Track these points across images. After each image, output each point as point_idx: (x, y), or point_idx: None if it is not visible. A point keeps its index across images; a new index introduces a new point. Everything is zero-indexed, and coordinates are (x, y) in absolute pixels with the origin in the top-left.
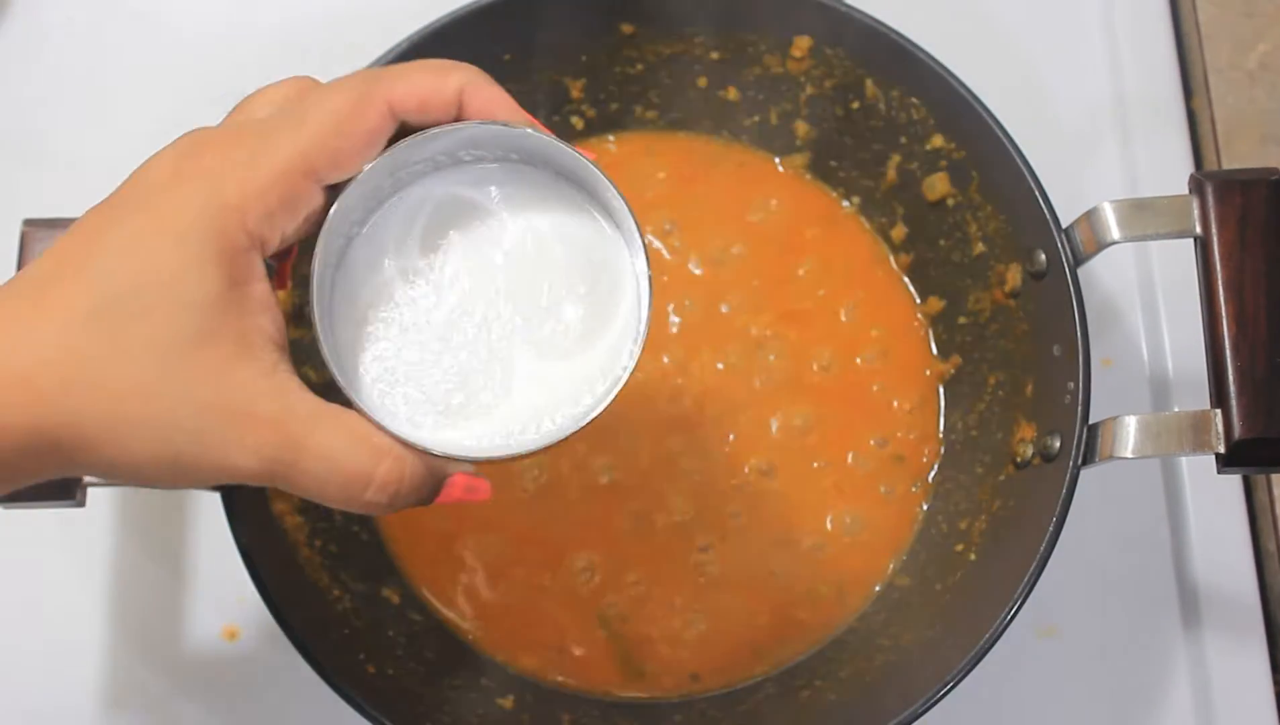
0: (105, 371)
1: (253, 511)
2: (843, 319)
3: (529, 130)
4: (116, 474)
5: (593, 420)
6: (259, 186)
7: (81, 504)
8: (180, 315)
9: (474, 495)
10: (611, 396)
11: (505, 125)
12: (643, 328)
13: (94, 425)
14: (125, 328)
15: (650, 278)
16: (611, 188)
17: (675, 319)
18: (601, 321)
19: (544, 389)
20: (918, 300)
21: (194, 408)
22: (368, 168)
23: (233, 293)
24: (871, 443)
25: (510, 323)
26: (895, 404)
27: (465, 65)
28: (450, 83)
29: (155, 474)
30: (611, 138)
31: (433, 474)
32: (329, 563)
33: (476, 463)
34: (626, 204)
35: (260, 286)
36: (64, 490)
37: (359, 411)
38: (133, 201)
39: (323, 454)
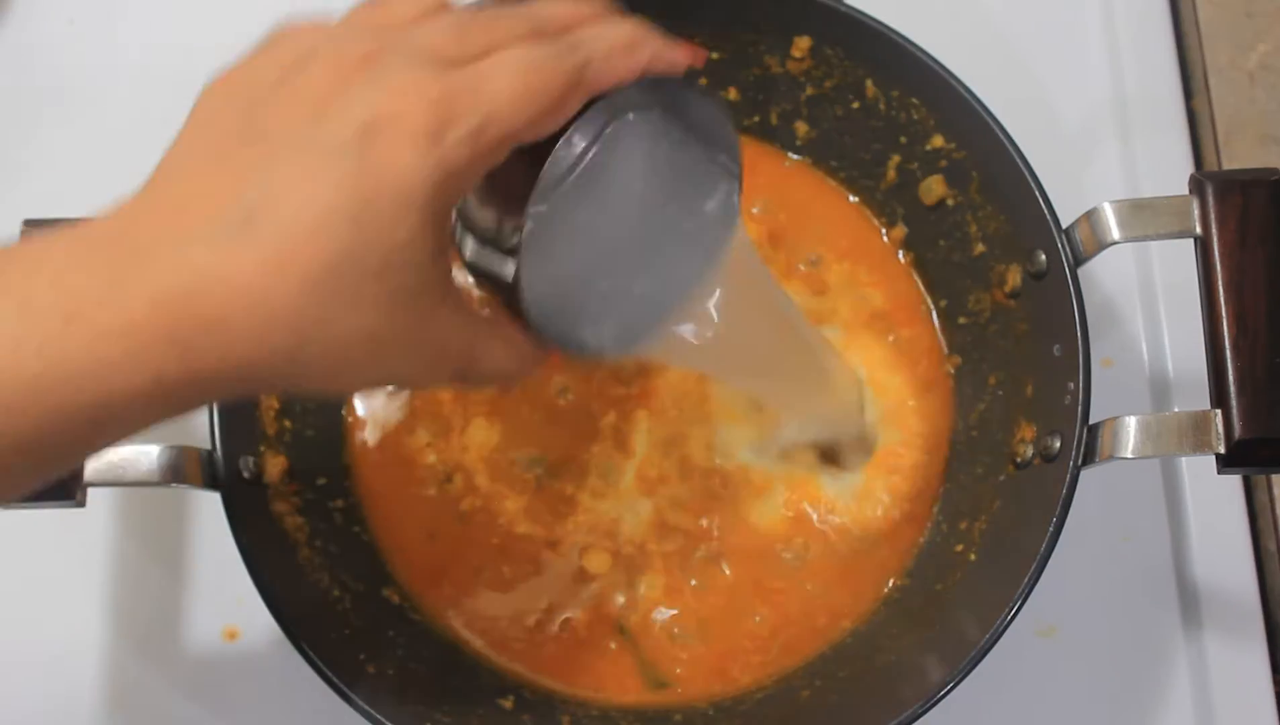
0: (336, 326)
1: (253, 511)
2: (853, 315)
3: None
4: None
5: None
6: (479, 153)
7: (81, 504)
8: (411, 274)
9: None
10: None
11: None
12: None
13: (319, 372)
14: (360, 286)
15: None
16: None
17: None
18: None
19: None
20: (928, 298)
21: (408, 347)
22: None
23: (442, 248)
24: (883, 443)
25: None
26: (907, 402)
27: (647, 34)
28: (640, 62)
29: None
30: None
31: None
32: (329, 563)
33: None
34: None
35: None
36: (64, 490)
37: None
38: (309, 147)
39: (491, 362)
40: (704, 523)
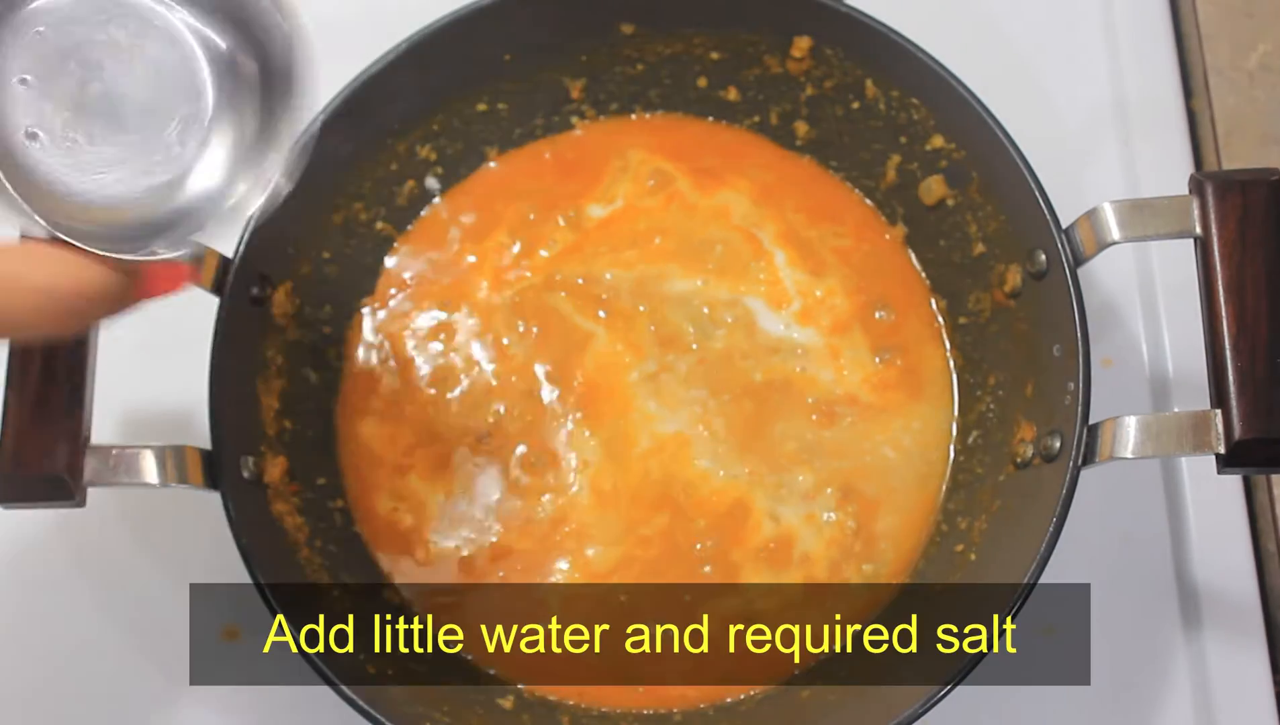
0: None
1: (253, 511)
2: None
3: None
4: None
5: None
6: None
7: (81, 504)
8: None
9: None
10: None
11: None
12: None
13: None
14: None
15: None
16: None
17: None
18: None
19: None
20: (933, 295)
21: None
22: None
23: None
24: (883, 445)
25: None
26: (911, 402)
27: None
28: None
29: None
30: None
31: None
32: (329, 563)
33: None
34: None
35: None
36: (64, 490)
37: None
38: None
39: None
40: (699, 524)
